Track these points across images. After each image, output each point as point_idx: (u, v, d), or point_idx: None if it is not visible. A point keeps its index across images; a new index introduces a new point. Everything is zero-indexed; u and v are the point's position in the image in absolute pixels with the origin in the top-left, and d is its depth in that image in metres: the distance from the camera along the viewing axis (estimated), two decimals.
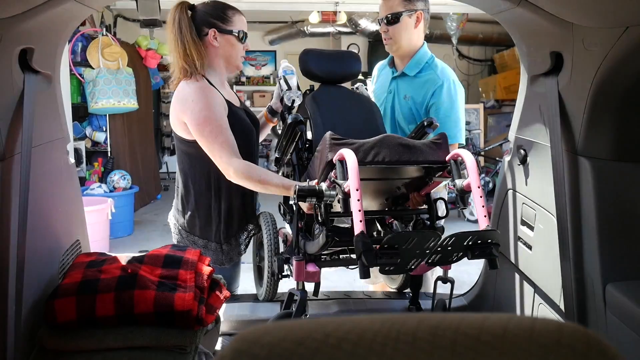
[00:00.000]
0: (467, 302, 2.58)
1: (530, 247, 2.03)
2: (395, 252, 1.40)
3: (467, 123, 6.77)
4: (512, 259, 2.19)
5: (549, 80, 1.76)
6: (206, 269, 1.87)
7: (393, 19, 2.30)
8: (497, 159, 6.59)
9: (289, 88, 2.07)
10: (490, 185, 6.30)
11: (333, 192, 1.55)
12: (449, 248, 1.50)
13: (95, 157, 6.11)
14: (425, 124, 1.88)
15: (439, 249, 1.48)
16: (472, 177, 1.55)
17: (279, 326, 0.44)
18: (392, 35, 2.32)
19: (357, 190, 1.41)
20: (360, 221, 1.39)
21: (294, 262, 1.79)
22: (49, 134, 1.90)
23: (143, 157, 6.96)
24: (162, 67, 9.47)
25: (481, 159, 7.11)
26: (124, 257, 1.87)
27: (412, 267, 1.51)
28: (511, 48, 8.08)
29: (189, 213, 2.15)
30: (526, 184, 2.07)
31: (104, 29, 5.98)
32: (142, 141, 6.96)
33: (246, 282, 4.02)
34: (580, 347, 0.42)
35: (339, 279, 4.11)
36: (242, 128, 2.07)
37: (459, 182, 1.61)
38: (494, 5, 1.85)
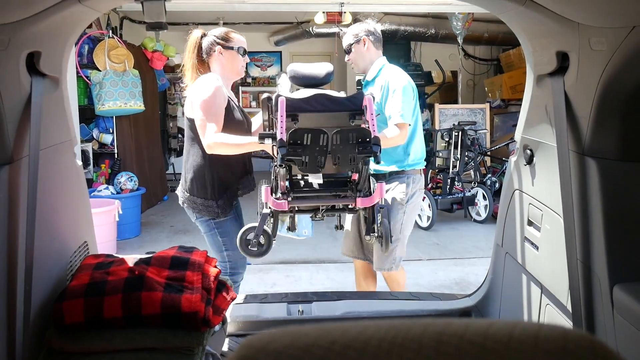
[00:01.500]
0: (474, 303, 2.57)
1: (537, 248, 2.02)
2: (300, 146, 1.94)
3: (474, 123, 6.75)
4: (519, 260, 2.18)
5: (555, 80, 1.76)
6: (213, 271, 1.87)
7: (348, 51, 3.06)
8: (503, 158, 6.57)
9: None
10: (497, 185, 6.28)
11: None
12: (339, 143, 1.97)
13: (102, 159, 6.13)
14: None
15: (333, 143, 1.97)
16: (368, 114, 2.11)
17: (285, 333, 0.44)
18: (352, 60, 3.07)
19: (281, 116, 2.03)
20: (282, 133, 1.97)
21: (263, 188, 2.25)
22: (57, 136, 1.91)
23: (150, 158, 6.98)
24: (168, 69, 9.50)
25: (487, 159, 7.09)
26: (131, 259, 1.88)
27: (320, 165, 2.00)
28: (517, 47, 8.04)
29: (190, 180, 2.70)
30: (533, 184, 2.06)
31: (111, 31, 6.01)
32: (148, 143, 6.99)
33: (252, 284, 4.03)
34: (585, 354, 0.42)
35: (344, 280, 4.12)
36: (235, 118, 2.67)
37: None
38: (500, 6, 1.84)
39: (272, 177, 2.33)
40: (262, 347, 0.43)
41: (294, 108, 2.11)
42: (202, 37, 2.71)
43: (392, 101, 2.83)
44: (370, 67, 3.03)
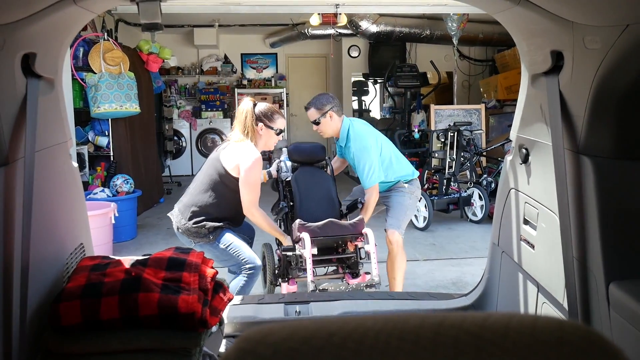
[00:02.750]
0: (471, 302, 2.57)
1: (533, 246, 2.03)
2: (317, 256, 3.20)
3: (469, 123, 6.76)
4: (515, 258, 2.18)
5: (549, 79, 1.76)
6: (210, 271, 1.87)
7: (316, 123, 3.58)
8: (499, 159, 6.58)
9: (286, 170, 3.57)
10: (493, 185, 6.29)
11: (297, 252, 3.14)
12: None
13: (98, 161, 6.12)
14: (357, 204, 3.51)
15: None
16: (370, 245, 3.20)
17: (283, 326, 0.44)
18: (320, 130, 3.61)
19: (309, 258, 3.05)
20: (310, 268, 3.05)
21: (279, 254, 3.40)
22: (52, 138, 1.91)
23: (145, 161, 6.97)
24: (164, 71, 9.51)
25: (483, 159, 7.10)
26: (127, 260, 1.87)
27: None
28: (512, 48, 8.07)
29: (195, 211, 3.04)
30: (528, 183, 2.07)
31: (106, 34, 5.99)
32: (144, 145, 6.97)
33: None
34: (581, 344, 0.42)
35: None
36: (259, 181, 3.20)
37: (366, 247, 3.21)
38: (494, 5, 1.85)
39: (279, 264, 3.37)
40: (261, 339, 0.43)
41: (314, 234, 3.09)
42: (253, 106, 3.10)
43: (361, 170, 3.48)
44: (335, 134, 3.62)
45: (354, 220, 3.25)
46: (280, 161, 3.65)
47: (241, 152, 3.01)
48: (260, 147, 3.13)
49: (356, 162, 3.51)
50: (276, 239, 3.38)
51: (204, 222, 3.00)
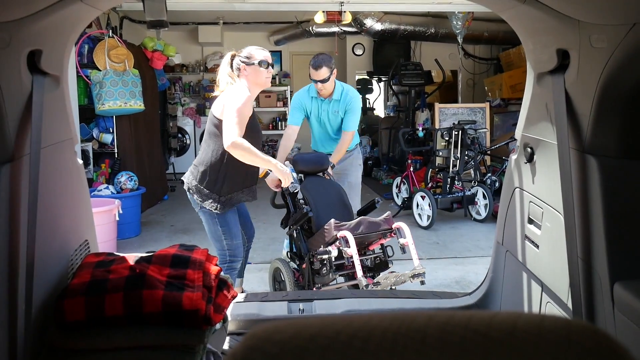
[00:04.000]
0: (474, 301, 2.57)
1: (537, 246, 2.02)
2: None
3: (474, 122, 6.74)
4: (520, 257, 2.18)
5: (555, 78, 1.76)
6: (214, 269, 1.87)
7: (324, 81, 3.77)
8: (503, 158, 6.56)
9: (295, 181, 3.41)
10: (497, 184, 6.27)
11: (332, 254, 3.07)
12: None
13: (103, 158, 6.12)
14: (375, 204, 3.50)
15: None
16: (408, 238, 3.14)
17: (290, 324, 0.44)
18: (324, 88, 3.83)
19: (356, 254, 2.95)
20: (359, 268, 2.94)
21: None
22: (58, 135, 1.91)
23: (150, 158, 6.98)
24: (168, 69, 9.51)
25: (487, 158, 7.08)
26: (132, 257, 1.88)
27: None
28: (517, 46, 8.04)
29: (202, 172, 3.00)
30: (533, 182, 2.06)
31: (110, 31, 6.00)
32: (148, 142, 6.98)
33: (253, 282, 4.03)
34: (588, 344, 0.42)
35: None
36: (255, 128, 3.06)
37: (401, 240, 3.14)
38: (500, 4, 1.84)
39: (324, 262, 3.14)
40: (268, 337, 0.43)
41: (354, 234, 3.06)
42: (232, 57, 3.07)
43: (353, 117, 3.89)
44: (332, 89, 3.88)
45: (382, 217, 3.22)
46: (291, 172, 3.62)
47: (227, 93, 2.96)
48: (253, 90, 3.03)
49: (347, 115, 3.85)
50: (288, 254, 3.42)
51: (213, 179, 2.95)
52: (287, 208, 3.47)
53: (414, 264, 3.07)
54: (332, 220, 3.10)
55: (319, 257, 3.08)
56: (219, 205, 2.96)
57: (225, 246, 3.02)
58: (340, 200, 3.52)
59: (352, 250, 2.93)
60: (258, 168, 3.11)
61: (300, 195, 3.41)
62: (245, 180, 3.06)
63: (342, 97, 3.89)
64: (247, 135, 2.83)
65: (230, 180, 2.98)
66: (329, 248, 3.05)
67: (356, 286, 3.07)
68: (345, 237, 2.97)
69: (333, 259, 3.06)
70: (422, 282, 3.03)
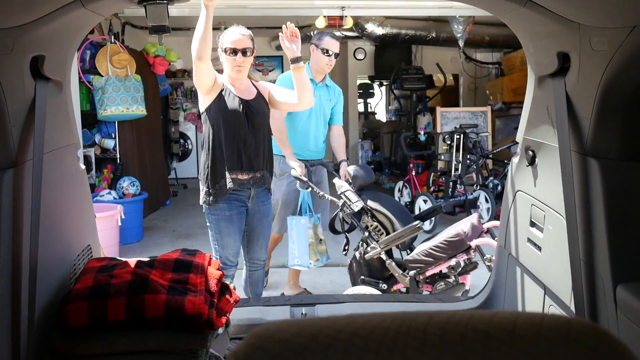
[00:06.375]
0: (477, 304, 2.57)
1: (539, 249, 2.02)
2: None
3: (475, 126, 6.74)
4: (522, 261, 2.18)
5: (556, 81, 1.76)
6: (216, 273, 1.87)
7: (336, 56, 3.78)
8: (505, 161, 6.56)
9: (357, 200, 3.26)
10: (499, 187, 6.27)
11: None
12: None
13: (105, 164, 6.14)
14: (441, 207, 3.79)
15: None
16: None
17: (291, 323, 0.44)
18: (333, 64, 3.76)
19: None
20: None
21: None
22: (60, 140, 1.92)
23: (152, 163, 6.99)
24: (170, 74, 9.53)
25: (489, 161, 7.08)
26: (134, 262, 1.88)
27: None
28: (518, 50, 8.04)
29: (199, 167, 3.02)
30: (535, 185, 2.06)
31: (112, 37, 6.02)
32: (150, 147, 7.00)
33: None
34: (588, 341, 0.42)
35: (347, 283, 4.10)
36: (227, 109, 2.85)
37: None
38: (500, 7, 1.85)
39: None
40: (270, 335, 0.43)
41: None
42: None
43: (342, 110, 3.89)
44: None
45: (473, 221, 3.12)
46: (343, 193, 3.35)
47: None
48: (227, 73, 2.94)
49: (337, 107, 3.85)
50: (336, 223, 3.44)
51: (203, 171, 2.91)
52: (356, 227, 3.31)
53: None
54: (460, 228, 3.03)
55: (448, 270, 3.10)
56: (209, 199, 2.88)
57: (213, 250, 2.98)
58: (399, 206, 3.45)
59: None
60: (255, 151, 2.92)
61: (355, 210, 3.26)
62: (229, 163, 2.86)
63: (331, 85, 3.84)
64: (221, 115, 2.85)
65: (214, 169, 2.87)
66: (460, 260, 3.06)
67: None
68: (478, 245, 2.99)
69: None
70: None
